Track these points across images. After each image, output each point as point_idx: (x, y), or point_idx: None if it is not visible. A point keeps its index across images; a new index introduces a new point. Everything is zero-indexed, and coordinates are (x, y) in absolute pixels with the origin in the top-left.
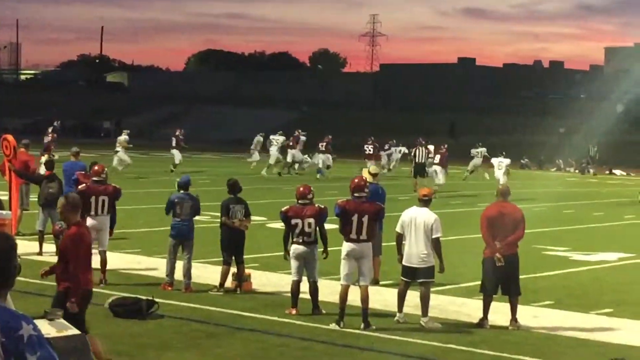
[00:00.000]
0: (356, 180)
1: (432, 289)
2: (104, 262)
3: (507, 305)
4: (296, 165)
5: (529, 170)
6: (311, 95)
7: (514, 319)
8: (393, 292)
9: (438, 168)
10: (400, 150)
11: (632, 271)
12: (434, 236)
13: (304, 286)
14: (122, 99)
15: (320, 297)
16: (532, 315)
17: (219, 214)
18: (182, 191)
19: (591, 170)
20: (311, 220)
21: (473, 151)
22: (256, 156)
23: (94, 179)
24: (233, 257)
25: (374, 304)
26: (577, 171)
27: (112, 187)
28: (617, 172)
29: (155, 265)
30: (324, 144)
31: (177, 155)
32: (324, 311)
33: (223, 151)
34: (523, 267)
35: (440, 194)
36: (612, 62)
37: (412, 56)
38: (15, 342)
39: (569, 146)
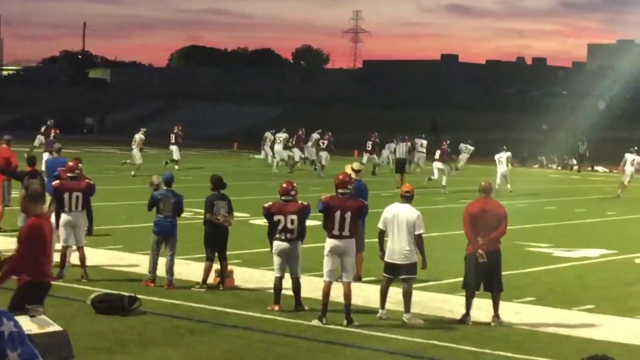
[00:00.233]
0: (340, 177)
1: (414, 286)
2: (82, 258)
3: (490, 302)
4: (299, 164)
5: (511, 167)
6: (294, 92)
7: (496, 315)
8: (375, 289)
9: (438, 164)
10: (467, 149)
11: (614, 268)
12: (416, 232)
13: (287, 282)
14: (105, 95)
15: (303, 294)
16: (514, 312)
17: (201, 210)
18: (165, 187)
19: (575, 167)
20: (294, 216)
21: (462, 146)
22: (263, 154)
23: (68, 174)
24: (216, 254)
25: (357, 300)
26: (559, 167)
27: (85, 183)
28: (600, 168)
29: (138, 262)
30: (325, 141)
31: (175, 151)
32: (306, 307)
33: (206, 147)
34: (505, 263)
35: (424, 189)
36: (595, 59)
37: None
38: None
39: (551, 143)
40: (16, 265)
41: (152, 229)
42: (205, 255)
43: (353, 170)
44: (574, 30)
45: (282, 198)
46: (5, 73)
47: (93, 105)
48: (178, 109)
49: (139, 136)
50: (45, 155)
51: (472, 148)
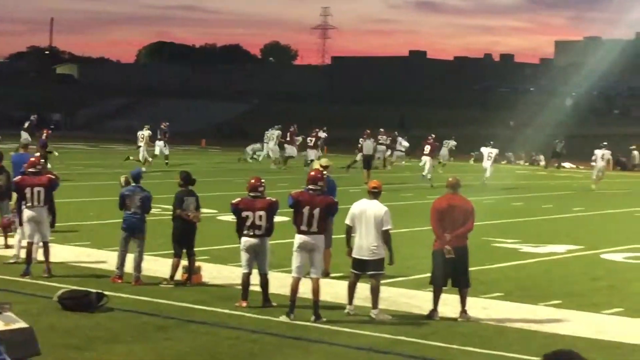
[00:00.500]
0: (312, 173)
1: (382, 281)
2: (46, 253)
3: (457, 297)
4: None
5: (479, 163)
6: (263, 88)
7: (463, 310)
8: (343, 285)
9: (427, 159)
10: (449, 144)
11: (581, 263)
12: (383, 228)
13: (255, 279)
14: (72, 91)
15: (271, 290)
16: (481, 307)
17: (169, 207)
18: (133, 184)
19: (541, 163)
20: (262, 213)
21: (444, 142)
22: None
23: (30, 170)
24: (184, 250)
25: (325, 296)
26: (527, 164)
27: (47, 178)
28: (566, 165)
29: (105, 258)
30: (313, 139)
31: (159, 146)
32: (274, 304)
33: (174, 144)
34: (473, 259)
35: (392, 186)
36: (562, 55)
37: (364, 49)
38: None
39: (519, 139)
40: None
41: (120, 225)
42: (173, 251)
43: (321, 166)
44: (542, 27)
45: (250, 194)
46: None
47: (60, 101)
48: (146, 105)
49: (146, 132)
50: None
51: (454, 143)
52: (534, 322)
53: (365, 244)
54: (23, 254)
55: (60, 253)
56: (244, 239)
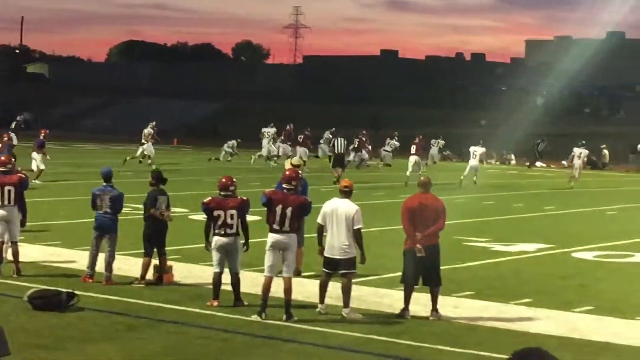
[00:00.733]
0: (287, 172)
1: (353, 280)
2: (16, 253)
3: (428, 296)
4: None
5: (450, 162)
6: (234, 87)
7: (434, 309)
8: (315, 284)
9: (415, 158)
10: (438, 143)
11: (551, 262)
12: (355, 227)
13: (226, 278)
14: (43, 90)
15: (243, 289)
16: (452, 306)
17: (140, 206)
18: (104, 183)
19: (512, 162)
20: (233, 211)
21: (432, 141)
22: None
23: (0, 169)
24: (154, 249)
25: (296, 295)
26: (498, 163)
27: (17, 177)
28: (537, 164)
29: (76, 258)
30: (302, 137)
31: (149, 148)
32: (245, 303)
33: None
34: (444, 257)
35: (363, 185)
36: (533, 55)
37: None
38: None
39: (490, 138)
40: None
41: (92, 224)
42: (144, 250)
43: (292, 165)
44: (513, 26)
45: (222, 193)
46: None
47: (31, 101)
48: (118, 104)
49: (148, 130)
50: (35, 155)
51: (442, 142)
52: (504, 320)
53: (336, 243)
54: None
55: (31, 253)
56: (215, 238)
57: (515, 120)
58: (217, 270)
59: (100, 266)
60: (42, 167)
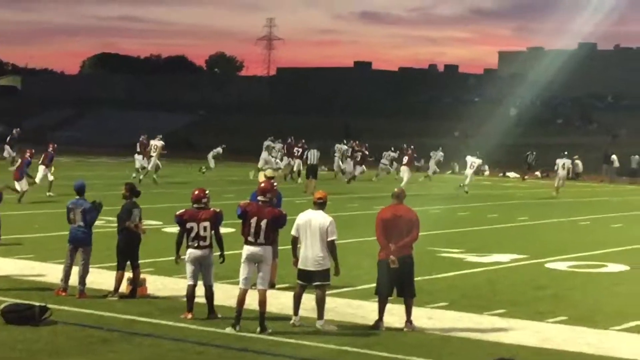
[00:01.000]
0: (262, 185)
1: (328, 292)
2: None
3: (402, 307)
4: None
5: (424, 173)
6: (208, 99)
7: (408, 320)
8: (289, 296)
9: (405, 168)
10: (436, 155)
11: (525, 272)
12: (329, 239)
13: (200, 290)
14: (16, 103)
15: (217, 301)
16: (426, 317)
17: (113, 218)
18: (77, 196)
19: (486, 173)
20: (206, 224)
21: (431, 153)
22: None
23: None
24: (128, 262)
25: (270, 307)
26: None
27: None
28: (511, 174)
29: (49, 271)
30: (299, 150)
31: (139, 160)
32: (219, 315)
33: (120, 155)
34: (418, 268)
35: (338, 196)
36: (506, 66)
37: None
38: None
39: (464, 149)
40: None
41: (66, 237)
42: (117, 264)
43: (266, 177)
44: (485, 37)
45: (195, 205)
46: None
47: (4, 113)
48: (91, 117)
49: (159, 142)
50: (41, 169)
51: (441, 154)
52: (478, 331)
53: (310, 255)
54: None
55: (4, 266)
56: (189, 251)
57: (489, 131)
58: (191, 282)
59: (74, 279)
60: (51, 178)
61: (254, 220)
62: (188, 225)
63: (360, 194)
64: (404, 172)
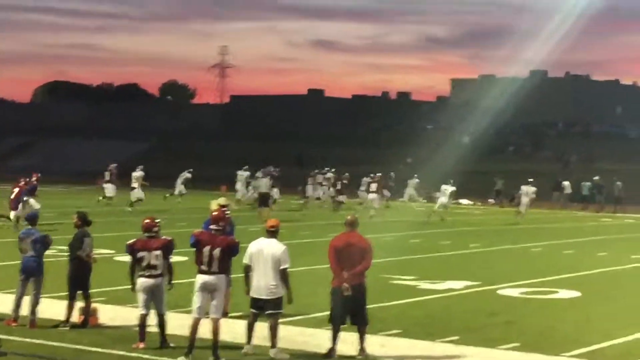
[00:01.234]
0: (215, 213)
1: (281, 320)
2: None
3: (356, 335)
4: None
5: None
6: (161, 127)
7: (362, 348)
8: (242, 324)
9: (374, 195)
10: (413, 183)
11: (478, 299)
12: (281, 267)
13: (153, 319)
14: None
15: (170, 330)
16: (379, 344)
17: (64, 247)
18: (30, 226)
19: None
20: (158, 252)
21: (409, 181)
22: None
23: None
24: (79, 291)
25: (224, 335)
26: (425, 201)
27: None
28: (464, 201)
29: (0, 301)
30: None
31: (110, 189)
32: (172, 344)
33: (72, 183)
34: (371, 296)
35: (291, 224)
36: (458, 93)
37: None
38: None
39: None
40: None
41: (18, 267)
42: (68, 293)
43: (219, 205)
44: (438, 65)
45: (146, 234)
46: None
47: None
48: (44, 145)
49: (139, 173)
50: (32, 201)
51: (417, 181)
52: (431, 358)
53: (263, 283)
54: None
55: None
56: (140, 280)
57: (441, 159)
58: (143, 312)
59: (25, 309)
60: (37, 206)
61: (207, 249)
62: (139, 254)
63: (314, 222)
64: (374, 200)
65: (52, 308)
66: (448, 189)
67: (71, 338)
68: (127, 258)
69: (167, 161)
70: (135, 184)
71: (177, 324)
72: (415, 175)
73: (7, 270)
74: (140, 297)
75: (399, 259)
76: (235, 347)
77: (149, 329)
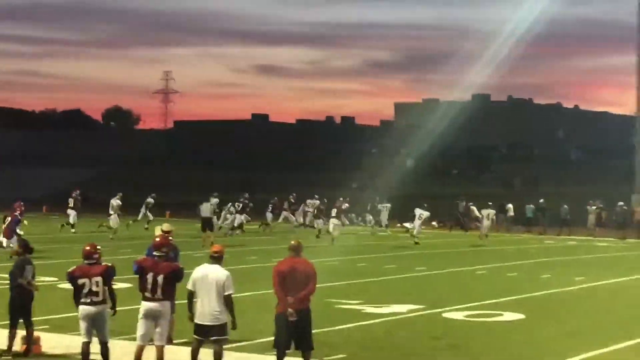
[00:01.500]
0: (157, 239)
1: (225, 346)
2: None
3: None
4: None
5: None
6: (105, 153)
7: None
8: (187, 351)
9: (335, 220)
10: (387, 208)
11: (423, 322)
12: (226, 293)
13: (96, 347)
14: None
15: (113, 358)
16: None
17: (5, 275)
18: None
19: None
20: (98, 279)
21: (380, 206)
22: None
23: None
24: (21, 320)
25: None
26: (370, 225)
27: None
28: (408, 225)
29: None
30: (240, 204)
31: (72, 215)
32: None
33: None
34: (316, 321)
35: (236, 249)
36: (402, 117)
37: (207, 113)
38: None
39: (361, 201)
40: None
41: None
42: (9, 322)
43: (163, 231)
44: (381, 89)
45: (86, 261)
46: None
47: None
48: None
49: (115, 202)
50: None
51: (389, 205)
52: None
53: (207, 310)
54: None
55: None
56: (81, 307)
57: (386, 183)
58: (86, 339)
59: None
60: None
61: (150, 276)
62: (80, 281)
63: (259, 247)
64: (334, 225)
65: None
66: (423, 213)
67: None
68: (70, 285)
69: (112, 188)
70: (112, 212)
71: (122, 351)
72: (385, 199)
73: None
74: (82, 325)
75: (345, 283)
76: None
77: (92, 357)
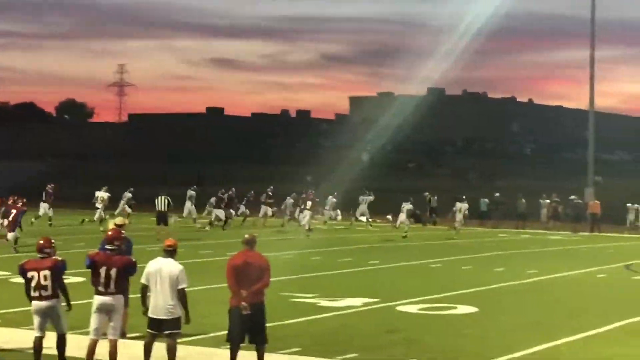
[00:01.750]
0: (110, 233)
1: (179, 340)
2: None
3: (255, 354)
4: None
5: (278, 219)
6: (58, 146)
7: None
8: (140, 345)
9: (308, 212)
10: (366, 200)
11: (377, 316)
12: (179, 287)
13: (48, 342)
14: None
15: (67, 352)
16: None
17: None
18: None
19: (338, 217)
20: (46, 272)
21: (360, 198)
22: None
23: None
24: None
25: (121, 357)
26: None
27: None
28: (362, 218)
29: None
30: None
31: (44, 207)
32: None
33: None
34: (270, 314)
35: (190, 242)
36: (357, 111)
37: (162, 106)
38: None
39: (317, 194)
40: None
41: None
42: None
43: (116, 225)
44: (337, 83)
45: (39, 255)
46: None
47: None
48: None
49: (105, 194)
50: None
51: (371, 198)
52: None
53: (161, 303)
54: None
55: None
56: (33, 302)
57: (341, 176)
58: (38, 334)
59: None
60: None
61: (103, 270)
62: (29, 274)
63: (214, 240)
64: (307, 216)
65: None
66: (405, 206)
67: None
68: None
69: (66, 182)
70: (99, 205)
71: (75, 345)
72: (367, 191)
73: None
74: (35, 319)
75: (299, 277)
76: None
77: (46, 351)
